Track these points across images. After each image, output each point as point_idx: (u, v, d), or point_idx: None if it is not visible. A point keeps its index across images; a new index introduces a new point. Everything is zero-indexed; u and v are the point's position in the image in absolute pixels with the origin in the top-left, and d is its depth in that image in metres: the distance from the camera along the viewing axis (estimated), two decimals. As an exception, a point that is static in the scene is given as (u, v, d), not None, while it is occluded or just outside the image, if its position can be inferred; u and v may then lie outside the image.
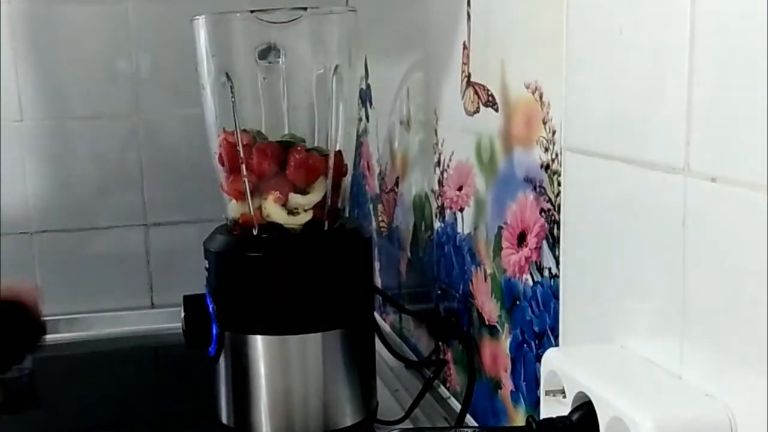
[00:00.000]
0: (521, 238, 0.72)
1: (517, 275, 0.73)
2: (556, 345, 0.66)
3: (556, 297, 0.66)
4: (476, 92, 0.79)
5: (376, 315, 0.95)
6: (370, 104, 1.16)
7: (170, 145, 1.30)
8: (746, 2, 0.43)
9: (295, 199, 0.81)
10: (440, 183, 0.90)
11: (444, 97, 0.87)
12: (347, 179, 0.85)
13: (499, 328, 0.77)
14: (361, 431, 0.83)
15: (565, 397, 0.54)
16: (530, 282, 0.70)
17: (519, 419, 0.74)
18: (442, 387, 0.93)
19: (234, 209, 0.83)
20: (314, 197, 0.81)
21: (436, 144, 0.90)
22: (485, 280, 0.80)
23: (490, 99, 0.76)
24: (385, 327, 1.15)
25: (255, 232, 0.81)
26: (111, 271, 1.31)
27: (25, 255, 1.28)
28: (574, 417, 0.53)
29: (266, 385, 0.81)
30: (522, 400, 0.74)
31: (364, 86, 1.17)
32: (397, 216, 1.07)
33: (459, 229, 0.86)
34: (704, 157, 0.47)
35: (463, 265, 0.85)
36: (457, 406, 0.89)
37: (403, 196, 1.04)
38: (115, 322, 1.28)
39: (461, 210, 0.85)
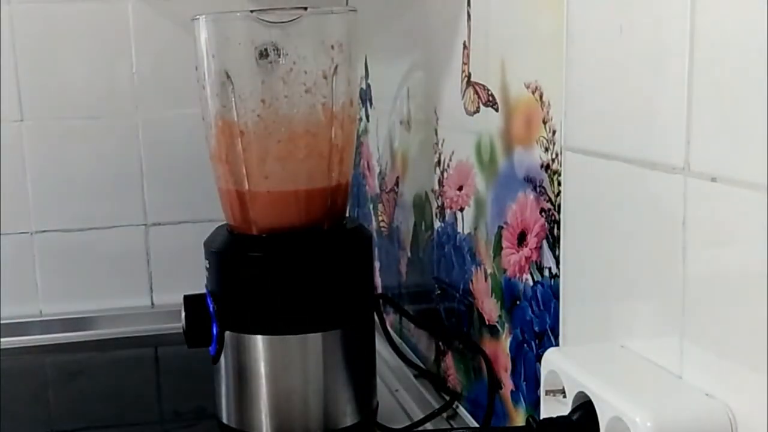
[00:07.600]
0: (521, 238, 0.72)
1: (517, 275, 0.73)
2: (556, 345, 0.66)
3: (556, 297, 0.66)
4: (476, 92, 0.79)
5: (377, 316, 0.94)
6: (370, 104, 1.16)
7: (170, 145, 1.30)
8: (746, 2, 0.43)
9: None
10: (440, 183, 0.90)
11: (444, 97, 0.87)
12: (348, 179, 0.85)
13: (499, 327, 0.77)
14: (360, 431, 0.83)
15: (565, 397, 0.54)
16: (530, 282, 0.70)
17: (519, 419, 0.74)
18: (444, 389, 0.93)
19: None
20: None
21: (436, 144, 0.90)
22: (485, 280, 0.80)
23: (490, 99, 0.76)
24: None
25: (255, 232, 0.81)
26: (111, 271, 1.31)
27: (25, 255, 1.28)
28: (574, 417, 0.53)
29: (266, 385, 0.81)
30: (522, 400, 0.74)
31: (364, 86, 1.17)
32: (397, 216, 1.07)
33: (459, 229, 0.86)
34: (704, 157, 0.47)
35: (463, 265, 0.85)
36: (459, 409, 0.89)
37: (403, 196, 1.04)
38: (115, 322, 1.28)
39: (461, 210, 0.85)
